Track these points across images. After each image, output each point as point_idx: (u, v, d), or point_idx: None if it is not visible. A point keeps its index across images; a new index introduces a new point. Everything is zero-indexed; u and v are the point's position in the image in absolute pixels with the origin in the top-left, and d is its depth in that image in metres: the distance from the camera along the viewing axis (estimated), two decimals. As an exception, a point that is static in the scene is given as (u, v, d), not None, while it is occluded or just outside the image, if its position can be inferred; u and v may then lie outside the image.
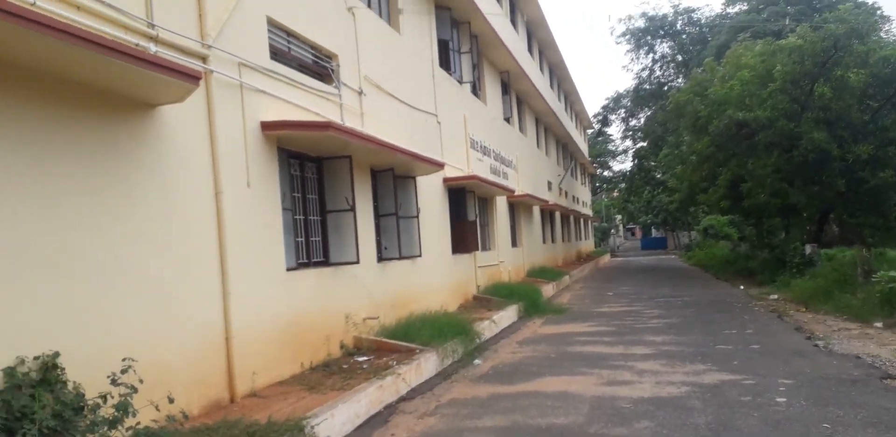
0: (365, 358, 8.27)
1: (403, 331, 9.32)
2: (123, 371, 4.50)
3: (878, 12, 22.05)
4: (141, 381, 4.56)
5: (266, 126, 7.09)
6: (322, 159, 8.56)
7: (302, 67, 8.31)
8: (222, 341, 6.26)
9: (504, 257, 18.15)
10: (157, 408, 4.58)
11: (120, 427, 4.22)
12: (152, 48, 5.31)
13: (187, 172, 5.94)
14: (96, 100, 4.95)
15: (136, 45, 5.15)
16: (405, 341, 8.92)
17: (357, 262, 8.70)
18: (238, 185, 6.63)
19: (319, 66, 8.72)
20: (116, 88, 4.97)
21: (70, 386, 4.34)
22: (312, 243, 8.40)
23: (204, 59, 6.15)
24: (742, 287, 18.91)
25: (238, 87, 6.80)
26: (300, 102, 7.92)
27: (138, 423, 4.51)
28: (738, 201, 19.87)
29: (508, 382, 7.89)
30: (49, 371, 4.28)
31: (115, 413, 4.23)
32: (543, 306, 15.24)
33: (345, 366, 7.84)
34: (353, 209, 8.57)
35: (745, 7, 29.28)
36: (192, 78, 4.97)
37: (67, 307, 4.58)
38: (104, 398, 4.31)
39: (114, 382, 4.37)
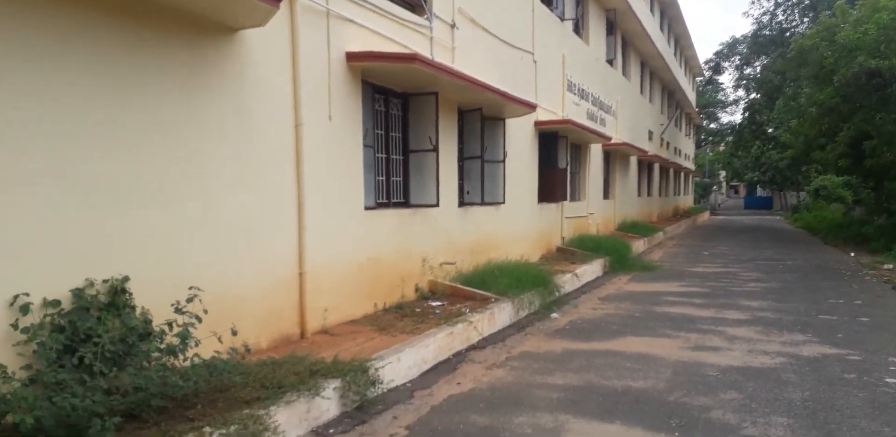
0: (439, 303, 8.10)
1: (480, 278, 9.08)
2: (189, 300, 4.45)
3: None
4: (205, 311, 4.51)
5: (351, 57, 6.77)
6: (408, 95, 8.20)
7: (393, -3, 7.87)
8: (295, 276, 6.20)
9: (594, 209, 17.46)
10: (219, 339, 4.53)
11: (181, 356, 4.18)
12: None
13: (268, 101, 5.74)
14: (177, 21, 4.76)
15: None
16: (481, 288, 8.68)
17: (437, 205, 8.42)
18: (319, 117, 6.40)
19: (411, -4, 8.24)
20: (197, 8, 4.74)
21: (138, 312, 4.35)
22: (393, 182, 8.16)
23: (288, -19, 5.82)
24: (853, 254, 17.45)
25: (324, 14, 6.47)
26: (389, 33, 7.53)
27: (197, 355, 4.48)
28: (860, 161, 18.02)
29: (585, 339, 7.53)
30: (118, 295, 4.28)
31: (177, 342, 4.20)
32: (632, 262, 14.58)
33: (418, 310, 7.71)
34: (436, 150, 8.22)
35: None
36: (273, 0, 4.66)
37: (139, 233, 4.54)
38: (170, 325, 4.28)
39: (178, 310, 4.33)
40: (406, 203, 8.35)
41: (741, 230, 29.46)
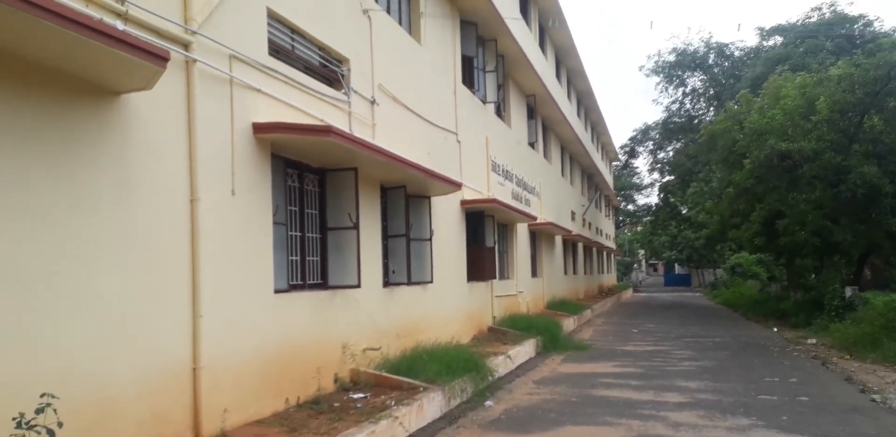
0: (361, 395, 7.30)
1: (408, 365, 8.36)
2: (39, 411, 3.61)
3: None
4: (60, 424, 3.65)
5: (259, 128, 6.30)
6: (325, 171, 7.75)
7: (308, 70, 7.57)
8: (188, 372, 5.36)
9: (523, 287, 17.12)
10: (80, 458, 3.67)
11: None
12: (119, 26, 4.54)
13: (158, 173, 5.13)
14: (44, 83, 4.18)
15: (100, 19, 4.39)
16: (409, 376, 7.95)
17: (358, 286, 7.80)
18: (220, 192, 5.81)
19: (328, 70, 7.97)
20: (68, 67, 4.20)
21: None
22: (309, 262, 7.53)
23: (186, 45, 5.39)
24: (776, 329, 17.64)
25: (228, 81, 6.03)
26: (304, 106, 7.15)
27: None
28: (773, 239, 18.67)
29: (523, 430, 6.85)
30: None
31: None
32: (564, 341, 14.13)
33: (336, 404, 6.88)
34: (356, 227, 7.70)
35: (781, 40, 28.38)
36: (158, 58, 4.18)
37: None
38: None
39: (20, 425, 3.47)
40: (324, 285, 7.69)
41: (665, 307, 29.75)
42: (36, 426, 3.53)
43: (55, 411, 3.67)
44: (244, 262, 6.08)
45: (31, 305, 4.07)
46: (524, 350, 12.09)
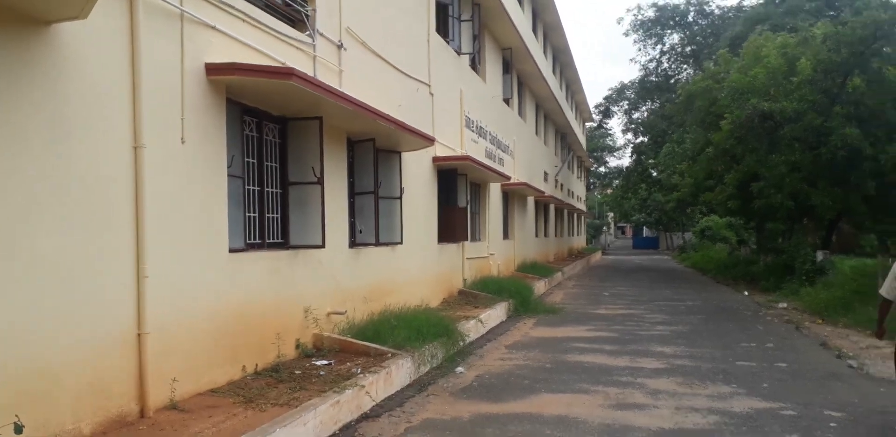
0: (324, 362, 6.86)
1: (374, 330, 7.93)
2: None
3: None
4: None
5: (212, 69, 5.62)
6: (287, 120, 7.10)
7: (269, 8, 6.83)
8: (132, 338, 4.84)
9: (494, 250, 16.75)
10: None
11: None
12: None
13: (94, 116, 4.47)
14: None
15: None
16: (376, 342, 7.53)
17: (322, 246, 7.25)
18: (167, 139, 5.17)
19: (291, 9, 7.23)
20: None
21: None
22: (269, 219, 6.95)
23: (124, -31, 4.67)
24: (746, 293, 17.64)
25: (178, 16, 5.32)
26: (264, 47, 6.45)
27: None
28: (747, 202, 18.53)
29: (496, 398, 6.50)
30: None
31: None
32: (535, 304, 13.86)
33: (297, 372, 6.43)
34: (321, 182, 7.11)
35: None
36: (81, -28, 3.50)
37: None
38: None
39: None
40: (285, 244, 7.13)
41: (635, 270, 29.85)
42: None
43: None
44: (195, 217, 5.49)
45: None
46: (495, 314, 11.77)
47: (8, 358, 3.82)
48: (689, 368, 7.93)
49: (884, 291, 5.50)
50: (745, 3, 29.74)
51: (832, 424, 5.60)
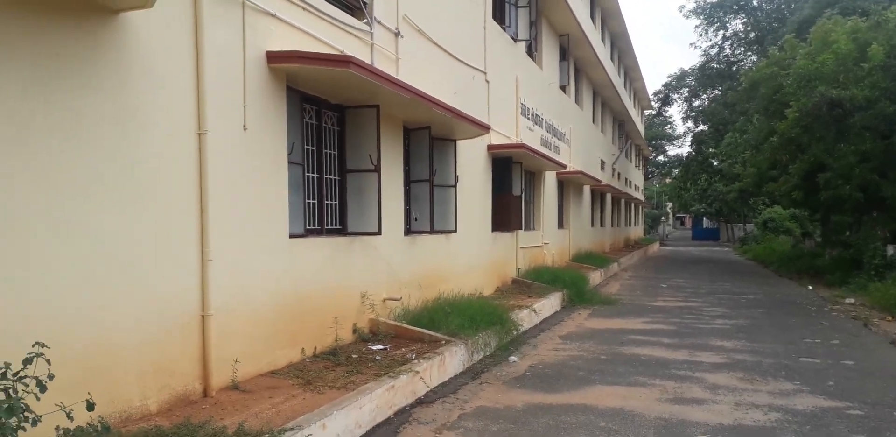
0: (380, 347, 6.95)
1: (429, 316, 7.99)
2: (27, 361, 3.22)
3: None
4: (51, 376, 3.26)
5: (273, 57, 5.72)
6: (345, 108, 7.17)
7: (328, -4, 6.89)
8: (196, 319, 5.00)
9: (549, 239, 16.61)
10: (68, 415, 3.29)
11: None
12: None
13: (160, 103, 4.61)
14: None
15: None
16: (430, 328, 7.59)
17: (379, 233, 7.33)
18: (230, 126, 5.29)
19: (350, -3, 7.28)
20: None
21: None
22: (327, 206, 7.05)
23: (189, -42, 4.77)
24: (811, 287, 17.01)
25: (240, 4, 5.42)
26: (322, 35, 6.52)
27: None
28: (812, 193, 17.79)
29: (550, 388, 6.47)
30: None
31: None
32: (590, 295, 13.70)
33: (354, 356, 6.54)
34: (377, 170, 7.18)
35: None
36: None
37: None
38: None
39: (5, 376, 3.10)
40: (342, 230, 7.24)
41: (693, 261, 29.15)
42: (25, 377, 3.15)
43: (48, 361, 3.28)
44: (257, 203, 5.62)
45: (21, 244, 3.66)
46: (549, 304, 11.69)
47: (77, 337, 3.99)
48: (749, 363, 7.72)
49: None
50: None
51: (903, 425, 5.37)
